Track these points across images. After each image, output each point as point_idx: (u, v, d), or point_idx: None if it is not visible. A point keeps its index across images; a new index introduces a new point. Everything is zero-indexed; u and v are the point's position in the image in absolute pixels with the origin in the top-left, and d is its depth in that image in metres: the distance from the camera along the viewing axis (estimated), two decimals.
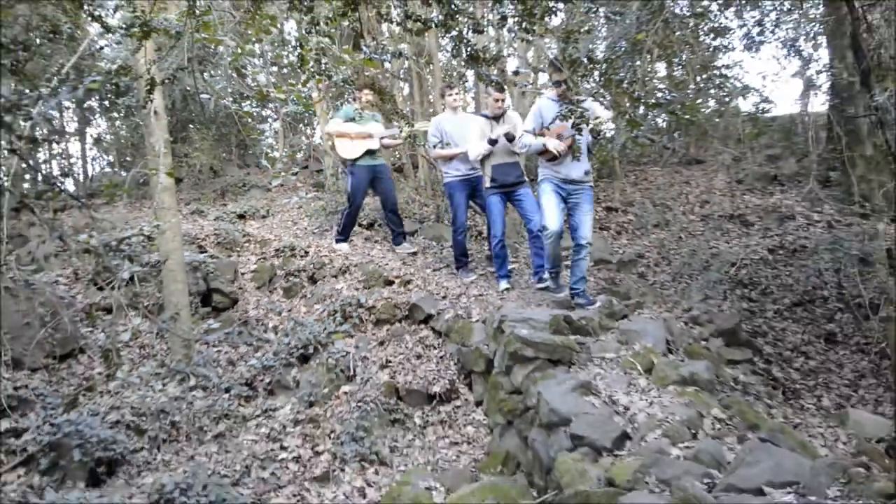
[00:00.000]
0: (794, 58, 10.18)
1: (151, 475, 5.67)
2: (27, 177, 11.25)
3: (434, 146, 8.17)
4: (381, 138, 9.07)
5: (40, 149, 12.13)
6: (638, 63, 6.42)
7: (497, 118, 7.55)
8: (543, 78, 12.15)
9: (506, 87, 7.39)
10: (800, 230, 9.40)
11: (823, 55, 10.77)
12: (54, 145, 13.20)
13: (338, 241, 9.64)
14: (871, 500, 2.86)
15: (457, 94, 8.44)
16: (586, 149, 6.49)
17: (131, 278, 7.70)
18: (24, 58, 3.13)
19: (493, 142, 7.41)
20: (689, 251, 9.12)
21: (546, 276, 7.21)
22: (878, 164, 8.49)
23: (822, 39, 10.19)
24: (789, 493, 3.13)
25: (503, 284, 7.75)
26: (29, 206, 2.55)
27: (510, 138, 7.23)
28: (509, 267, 7.99)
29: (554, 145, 6.39)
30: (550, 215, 6.54)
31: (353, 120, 8.98)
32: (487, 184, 7.64)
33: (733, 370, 6.30)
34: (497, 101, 7.45)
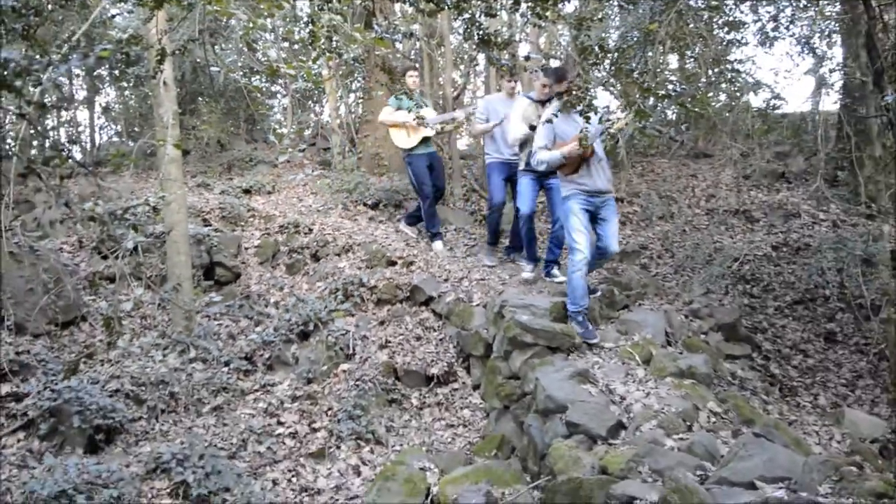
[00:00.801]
0: (807, 55, 10.13)
1: (149, 444, 5.72)
2: (34, 143, 11.26)
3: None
4: (436, 124, 8.74)
5: (49, 115, 12.12)
6: (650, 53, 6.36)
7: (543, 103, 7.12)
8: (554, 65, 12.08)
9: (517, 71, 7.12)
10: (805, 228, 9.38)
11: (837, 53, 10.69)
12: (63, 112, 13.19)
13: (433, 239, 8.99)
14: (862, 499, 2.88)
15: (514, 84, 8.24)
16: (603, 152, 6.07)
17: (135, 248, 7.73)
18: (35, 23, 3.12)
19: (532, 128, 6.95)
20: (692, 244, 9.11)
21: (575, 312, 6.01)
22: (886, 166, 8.45)
23: (837, 37, 10.13)
24: (781, 488, 3.16)
25: (526, 272, 7.41)
26: (36, 171, 2.56)
27: None
28: (536, 253, 7.60)
29: (571, 150, 5.80)
30: (580, 236, 5.88)
31: (401, 108, 8.56)
32: (522, 166, 7.33)
33: (731, 365, 6.32)
34: (544, 86, 7.02)
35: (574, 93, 3.61)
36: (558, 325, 5.92)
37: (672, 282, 8.46)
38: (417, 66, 8.77)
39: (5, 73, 1.83)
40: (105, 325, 6.46)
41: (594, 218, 6.05)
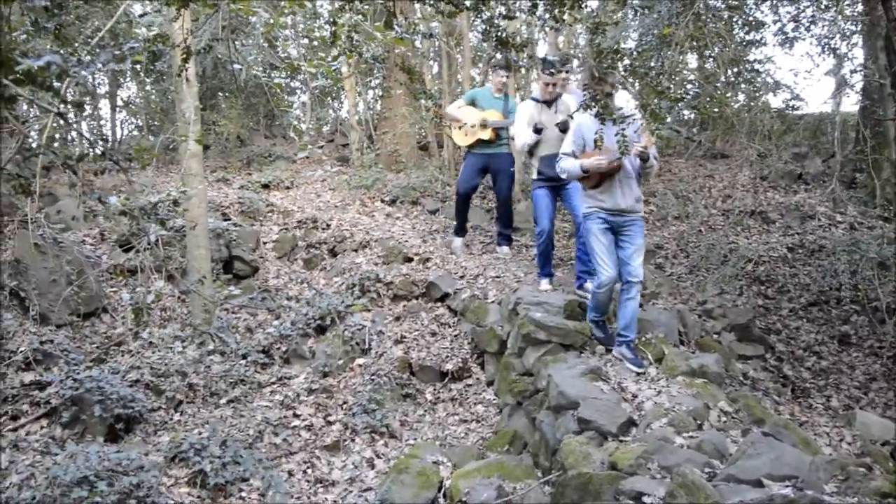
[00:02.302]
0: (827, 56, 10.08)
1: (167, 434, 5.84)
2: (57, 136, 11.43)
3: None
4: (496, 128, 7.91)
5: (81, 114, 12.29)
6: (669, 53, 6.35)
7: (548, 103, 6.81)
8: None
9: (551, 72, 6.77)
10: (821, 230, 9.37)
11: (858, 54, 10.65)
12: (86, 107, 13.36)
13: (455, 233, 8.84)
14: (867, 498, 2.92)
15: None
16: (634, 172, 5.42)
17: (156, 242, 7.86)
18: (66, 22, 3.22)
19: (538, 130, 6.68)
20: (707, 245, 9.12)
21: (596, 320, 5.84)
22: None
23: (858, 38, 10.08)
24: (787, 486, 3.20)
25: (544, 284, 6.89)
26: (71, 167, 2.65)
27: (563, 128, 6.34)
28: (551, 269, 7.04)
29: (593, 164, 5.24)
30: (603, 261, 5.34)
31: (474, 104, 7.97)
32: (534, 175, 6.84)
33: (744, 365, 6.35)
34: (548, 85, 6.72)
35: (602, 95, 3.58)
36: (571, 322, 5.97)
37: (687, 282, 8.48)
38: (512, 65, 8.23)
39: (46, 75, 1.92)
40: (134, 315, 6.59)
41: (617, 237, 5.42)
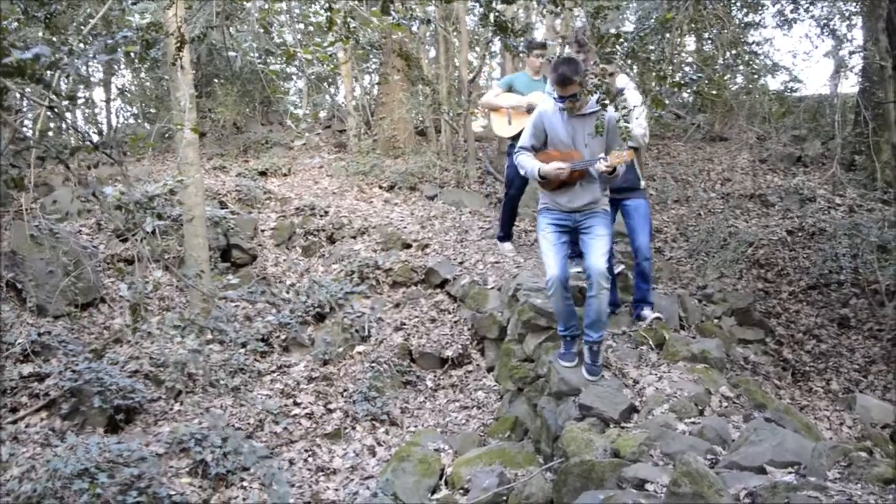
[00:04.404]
0: (827, 37, 10.01)
1: (168, 424, 5.83)
2: (52, 125, 11.35)
3: None
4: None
5: (75, 106, 12.20)
6: (667, 37, 6.26)
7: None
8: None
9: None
10: (820, 213, 9.34)
11: (858, 36, 10.58)
12: (80, 95, 13.27)
13: (499, 238, 8.00)
14: (871, 484, 2.91)
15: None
16: (597, 174, 4.75)
17: (153, 231, 7.82)
18: (56, 11, 3.17)
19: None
20: (707, 228, 9.10)
21: (561, 332, 5.20)
22: None
23: (858, 19, 10.01)
24: (790, 472, 3.20)
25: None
26: (63, 161, 2.61)
27: (529, 110, 6.17)
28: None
29: (553, 171, 4.72)
30: (547, 258, 4.87)
31: (511, 90, 7.16)
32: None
33: (744, 349, 6.35)
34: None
35: (592, 81, 3.49)
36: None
37: (686, 265, 8.47)
38: (548, 43, 7.39)
39: (36, 67, 1.88)
40: (131, 311, 6.56)
41: (576, 232, 4.93)
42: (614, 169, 4.58)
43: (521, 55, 6.21)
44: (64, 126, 10.54)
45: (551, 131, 4.82)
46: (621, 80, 5.64)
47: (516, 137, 6.69)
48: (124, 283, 7.17)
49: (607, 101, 3.37)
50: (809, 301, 7.84)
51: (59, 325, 6.76)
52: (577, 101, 4.54)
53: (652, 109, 3.74)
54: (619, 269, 6.34)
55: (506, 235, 7.85)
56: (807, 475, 3.12)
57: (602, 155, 4.63)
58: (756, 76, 10.63)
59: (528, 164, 4.89)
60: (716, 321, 6.49)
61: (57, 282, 6.99)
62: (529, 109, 6.59)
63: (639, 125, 5.42)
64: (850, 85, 11.36)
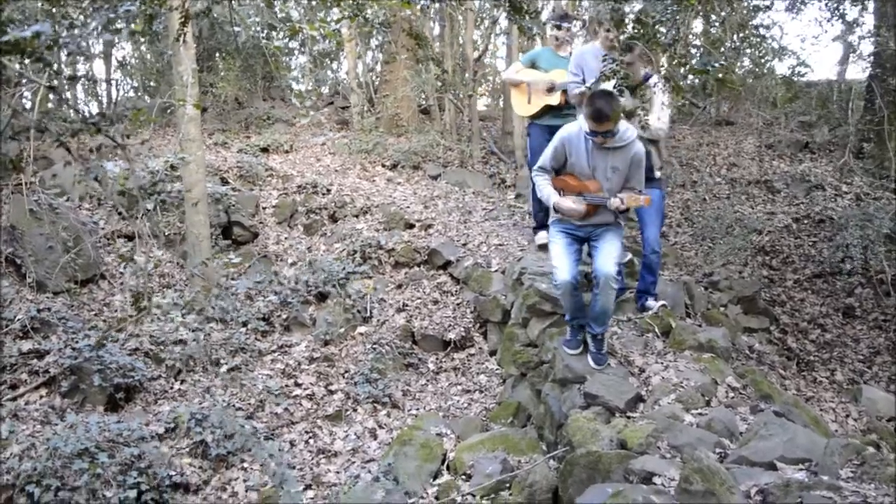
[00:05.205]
0: (836, 21, 9.86)
1: (168, 403, 5.79)
2: (51, 99, 11.21)
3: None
4: (569, 87, 6.14)
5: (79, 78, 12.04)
6: (680, 17, 6.08)
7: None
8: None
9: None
10: (827, 200, 9.26)
11: (869, 20, 10.41)
12: (79, 67, 13.10)
13: (534, 228, 7.32)
14: (885, 485, 2.87)
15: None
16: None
17: (154, 207, 7.75)
18: None
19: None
20: (712, 214, 9.02)
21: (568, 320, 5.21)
22: None
23: (870, 3, 9.86)
24: (801, 469, 3.15)
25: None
26: (65, 145, 2.53)
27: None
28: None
29: (567, 208, 4.72)
30: (558, 262, 4.82)
31: (534, 66, 6.66)
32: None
33: (749, 338, 6.30)
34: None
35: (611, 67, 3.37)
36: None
37: (691, 251, 8.41)
38: (571, 15, 7.02)
39: (36, 45, 1.80)
40: (133, 302, 6.51)
41: (587, 241, 4.92)
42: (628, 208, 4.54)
43: (535, 37, 6.00)
44: (65, 103, 10.38)
45: (573, 158, 4.70)
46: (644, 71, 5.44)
47: (536, 116, 6.63)
48: (126, 269, 7.08)
49: (624, 88, 3.27)
50: (814, 289, 7.79)
51: (59, 301, 6.70)
52: (610, 137, 4.39)
53: (674, 99, 3.64)
54: (626, 257, 6.24)
55: (541, 224, 7.07)
56: (819, 473, 3.08)
57: (620, 195, 4.52)
58: (763, 60, 10.50)
59: (545, 191, 4.84)
60: (722, 309, 6.43)
61: (57, 257, 6.92)
62: (550, 88, 6.36)
63: (661, 121, 5.30)
64: (859, 70, 11.25)
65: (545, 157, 4.85)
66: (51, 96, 10.50)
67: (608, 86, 4.26)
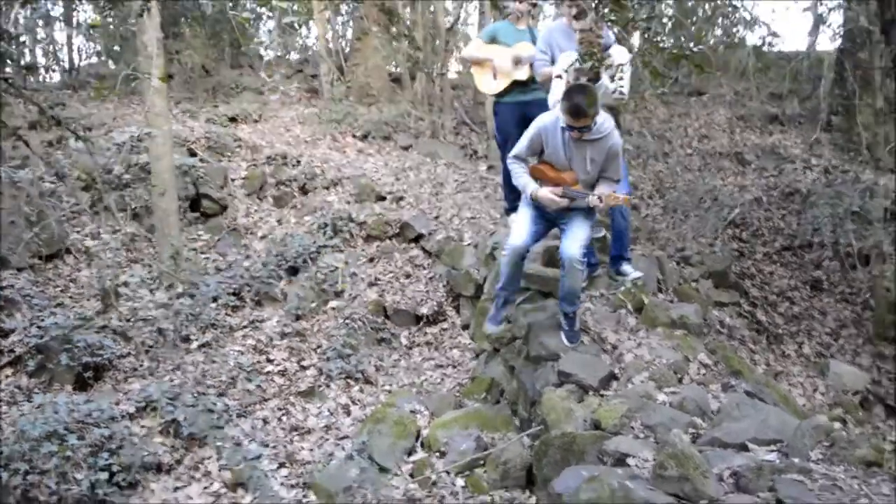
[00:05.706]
0: None
1: (138, 381, 5.71)
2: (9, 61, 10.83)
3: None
4: (535, 65, 5.93)
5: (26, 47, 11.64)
6: None
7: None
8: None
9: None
10: (796, 173, 9.35)
11: None
12: (39, 32, 12.67)
13: (506, 210, 6.94)
14: (853, 466, 2.92)
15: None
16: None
17: (120, 180, 7.59)
18: None
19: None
20: (683, 186, 9.07)
21: (497, 292, 5.23)
22: (885, 117, 8.28)
23: None
24: (773, 450, 3.20)
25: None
26: (23, 139, 2.43)
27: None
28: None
29: (545, 198, 4.62)
30: (518, 226, 4.83)
31: (495, 41, 6.36)
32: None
33: (720, 312, 6.37)
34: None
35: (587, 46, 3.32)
36: (550, 270, 5.86)
37: (662, 223, 8.45)
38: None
39: None
40: (101, 300, 6.38)
41: (555, 222, 4.88)
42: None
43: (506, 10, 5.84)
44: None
45: (549, 149, 4.66)
46: (606, 36, 5.35)
47: (501, 94, 6.39)
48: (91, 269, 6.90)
49: (600, 68, 3.23)
50: (783, 262, 7.89)
51: (23, 277, 6.53)
52: (587, 132, 4.34)
53: (654, 86, 3.62)
54: (601, 233, 6.22)
55: (513, 207, 6.64)
56: (790, 454, 3.12)
57: (599, 192, 4.49)
58: (735, 30, 10.52)
59: (522, 180, 4.78)
60: (693, 284, 6.49)
61: (19, 233, 6.74)
62: (516, 62, 6.20)
63: (622, 84, 5.26)
64: (828, 40, 11.30)
65: (521, 145, 4.78)
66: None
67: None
